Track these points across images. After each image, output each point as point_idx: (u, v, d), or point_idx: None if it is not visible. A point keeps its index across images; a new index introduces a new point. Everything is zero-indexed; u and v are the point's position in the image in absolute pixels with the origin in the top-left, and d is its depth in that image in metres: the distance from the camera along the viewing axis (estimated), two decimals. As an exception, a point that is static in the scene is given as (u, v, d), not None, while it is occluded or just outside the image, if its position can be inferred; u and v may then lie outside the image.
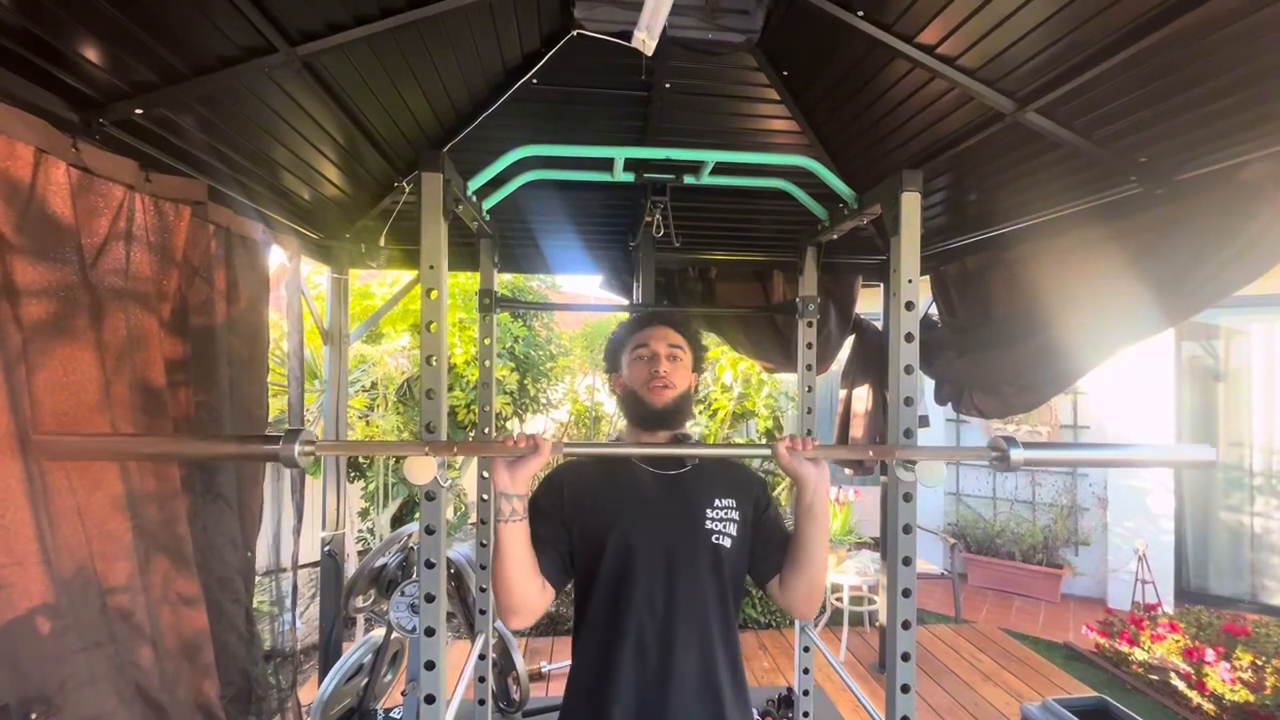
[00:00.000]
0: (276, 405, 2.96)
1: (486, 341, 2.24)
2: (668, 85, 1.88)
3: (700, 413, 5.37)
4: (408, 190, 2.19)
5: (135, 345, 1.36)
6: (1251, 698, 3.24)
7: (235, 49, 1.34)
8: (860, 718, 3.11)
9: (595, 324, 6.15)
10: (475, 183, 1.66)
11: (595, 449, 1.49)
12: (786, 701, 2.71)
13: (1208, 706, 3.40)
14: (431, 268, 1.34)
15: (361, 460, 4.95)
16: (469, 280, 5.03)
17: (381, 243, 2.45)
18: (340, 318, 2.73)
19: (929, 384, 2.85)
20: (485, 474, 2.26)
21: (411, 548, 2.48)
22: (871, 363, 3.14)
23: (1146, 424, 4.88)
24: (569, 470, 1.36)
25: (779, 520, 1.35)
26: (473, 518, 2.38)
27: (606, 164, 1.84)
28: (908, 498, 1.45)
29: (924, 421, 1.56)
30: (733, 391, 5.32)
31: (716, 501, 1.28)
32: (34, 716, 1.06)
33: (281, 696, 2.04)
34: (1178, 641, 3.67)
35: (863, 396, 3.17)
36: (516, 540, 1.14)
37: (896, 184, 1.41)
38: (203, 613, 1.50)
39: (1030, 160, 1.83)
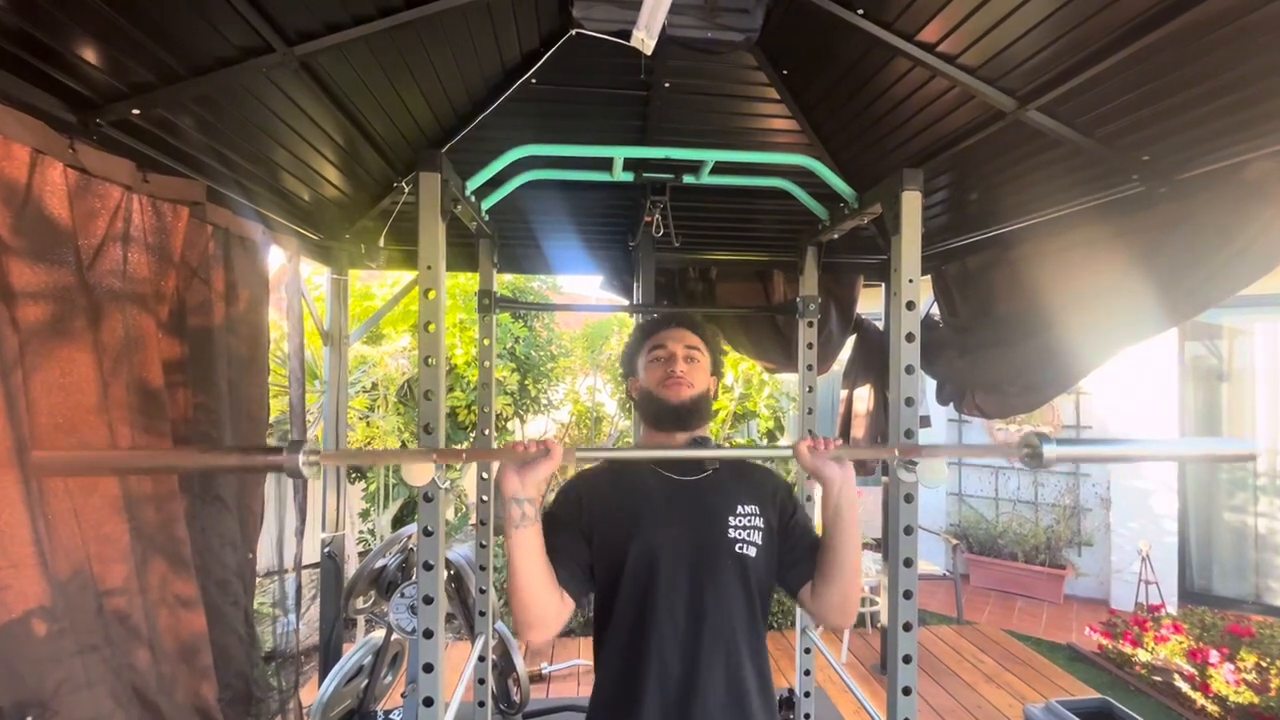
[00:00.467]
0: (277, 406, 2.96)
1: (486, 342, 2.24)
2: (667, 84, 1.87)
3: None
4: (407, 190, 2.18)
5: (133, 347, 1.36)
6: (1256, 699, 3.22)
7: (232, 49, 1.33)
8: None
9: (596, 325, 6.14)
10: (474, 183, 1.66)
11: (609, 453, 1.46)
12: (788, 703, 2.70)
13: (1212, 708, 3.38)
14: (429, 268, 1.34)
15: (362, 461, 4.96)
16: (469, 280, 5.03)
17: (381, 243, 2.44)
18: (340, 318, 2.73)
19: (930, 384, 2.84)
20: (485, 475, 2.26)
21: (411, 549, 2.48)
22: (873, 363, 3.12)
23: (1149, 424, 4.86)
24: (584, 480, 1.33)
25: (807, 524, 1.30)
26: (473, 519, 2.38)
27: (606, 164, 1.84)
28: (909, 499, 1.44)
29: (925, 422, 1.55)
30: (734, 392, 5.31)
31: (739, 509, 1.23)
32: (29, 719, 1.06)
33: (283, 698, 2.03)
34: (1181, 643, 3.65)
35: (864, 397, 3.16)
36: (530, 548, 1.10)
37: (897, 183, 1.40)
38: (201, 615, 1.50)
39: (1032, 159, 1.82)
